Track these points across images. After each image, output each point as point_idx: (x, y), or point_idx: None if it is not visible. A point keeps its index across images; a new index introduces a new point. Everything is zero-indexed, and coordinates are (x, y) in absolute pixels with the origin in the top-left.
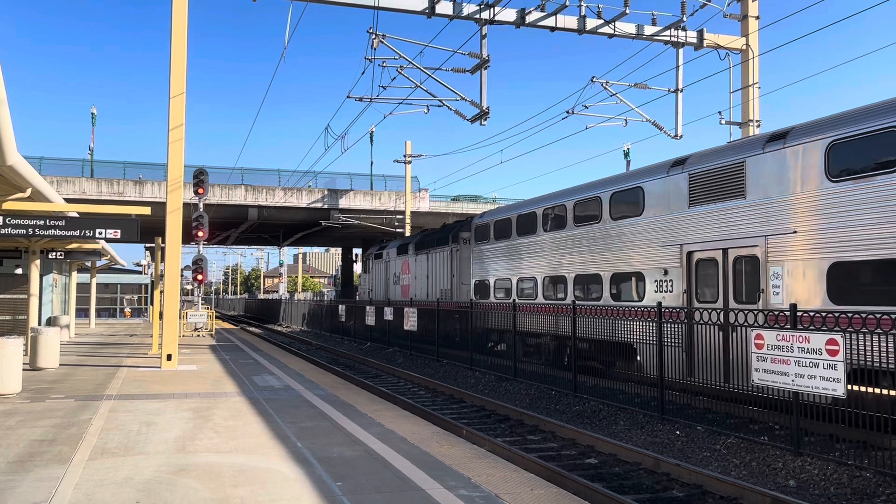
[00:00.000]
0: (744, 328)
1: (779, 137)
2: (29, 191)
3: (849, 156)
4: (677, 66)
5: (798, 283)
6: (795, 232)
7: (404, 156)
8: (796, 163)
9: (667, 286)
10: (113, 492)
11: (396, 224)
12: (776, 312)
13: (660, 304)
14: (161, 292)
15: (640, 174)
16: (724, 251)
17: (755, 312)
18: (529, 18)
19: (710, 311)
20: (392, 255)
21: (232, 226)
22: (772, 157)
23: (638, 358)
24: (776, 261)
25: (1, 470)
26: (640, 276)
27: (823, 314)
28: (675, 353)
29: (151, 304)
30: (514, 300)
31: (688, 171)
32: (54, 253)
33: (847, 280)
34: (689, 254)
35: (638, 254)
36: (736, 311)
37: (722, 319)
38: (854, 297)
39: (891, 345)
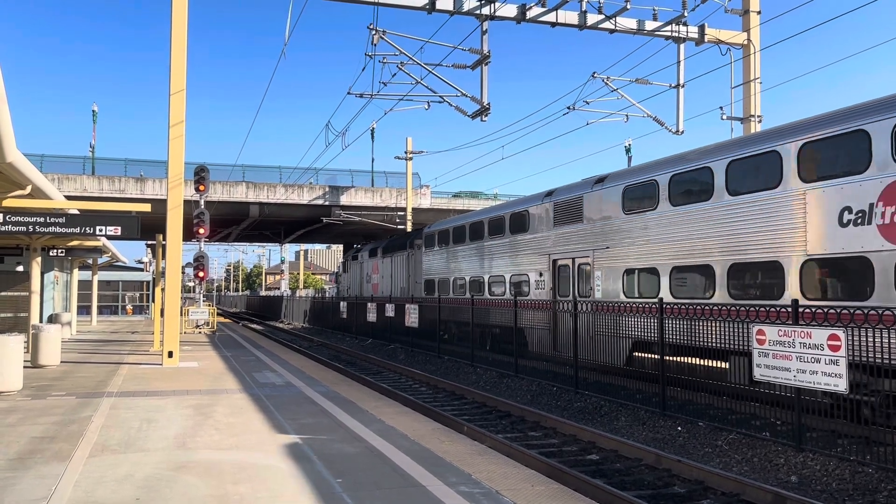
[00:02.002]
0: (583, 314)
1: (601, 181)
2: (29, 188)
3: (633, 197)
4: (678, 62)
5: (608, 282)
6: (608, 248)
7: (405, 152)
8: (608, 200)
9: (542, 284)
10: (113, 489)
11: (398, 220)
12: (598, 302)
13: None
14: (162, 289)
15: (527, 200)
16: (573, 259)
17: (585, 302)
18: (530, 14)
19: (565, 302)
20: (365, 258)
21: (233, 223)
22: (596, 195)
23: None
24: (598, 266)
25: (1, 467)
26: (526, 277)
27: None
28: (542, 334)
29: (153, 301)
30: (471, 297)
31: (553, 200)
32: (55, 250)
33: (631, 281)
34: (554, 261)
35: (525, 260)
36: (578, 302)
37: (571, 308)
38: (634, 292)
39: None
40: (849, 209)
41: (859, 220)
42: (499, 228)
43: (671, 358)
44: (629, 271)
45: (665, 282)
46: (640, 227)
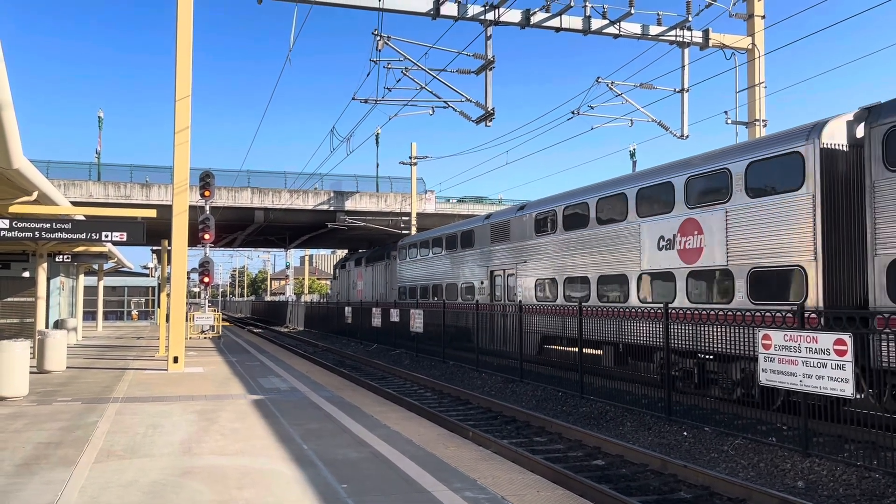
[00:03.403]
0: (513, 315)
1: (522, 208)
2: (35, 194)
3: (540, 223)
4: (683, 66)
5: (527, 290)
6: (525, 262)
7: (410, 157)
8: (526, 224)
9: (483, 291)
10: (118, 494)
11: (402, 226)
12: (518, 303)
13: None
14: (168, 295)
15: (473, 221)
16: (504, 270)
17: (510, 304)
18: (534, 19)
19: (502, 306)
20: (352, 267)
21: (238, 228)
22: (518, 219)
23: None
24: (519, 276)
25: (7, 473)
26: (471, 285)
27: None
28: (486, 333)
29: (158, 306)
30: (445, 300)
31: (490, 222)
32: (61, 256)
33: (539, 288)
34: (491, 272)
35: (471, 271)
36: (506, 306)
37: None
38: (540, 297)
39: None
40: (663, 238)
41: (668, 246)
42: (453, 243)
43: (562, 348)
44: (539, 280)
45: (561, 289)
46: (545, 247)
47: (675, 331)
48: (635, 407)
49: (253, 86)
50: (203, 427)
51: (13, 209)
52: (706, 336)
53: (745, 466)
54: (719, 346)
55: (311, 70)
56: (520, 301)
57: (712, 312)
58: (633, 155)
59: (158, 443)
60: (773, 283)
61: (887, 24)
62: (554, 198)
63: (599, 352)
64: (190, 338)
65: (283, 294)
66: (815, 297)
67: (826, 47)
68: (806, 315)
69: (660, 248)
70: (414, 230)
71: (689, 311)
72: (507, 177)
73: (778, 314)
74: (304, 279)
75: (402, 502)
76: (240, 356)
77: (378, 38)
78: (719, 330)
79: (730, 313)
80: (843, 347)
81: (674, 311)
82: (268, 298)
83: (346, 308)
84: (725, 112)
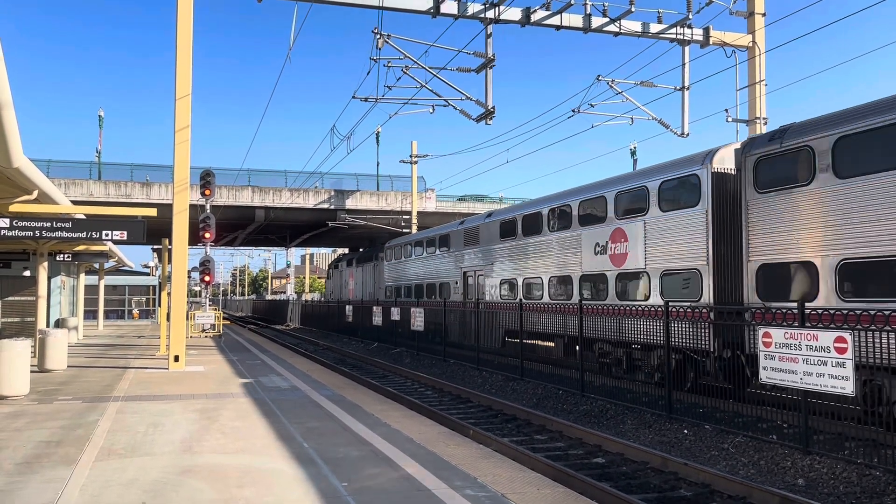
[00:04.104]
0: (489, 312)
1: (489, 215)
2: (35, 193)
3: (504, 229)
4: (683, 64)
5: (493, 289)
6: (492, 264)
7: (410, 156)
8: (493, 230)
9: (457, 290)
10: (119, 493)
11: (403, 224)
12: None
13: (522, 301)
14: (168, 294)
15: (449, 226)
16: (474, 271)
17: (475, 302)
18: (535, 17)
19: (475, 303)
20: (344, 267)
21: (239, 227)
22: (486, 225)
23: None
24: (487, 277)
25: (8, 471)
26: (447, 284)
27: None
28: (457, 327)
29: (159, 305)
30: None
31: (463, 227)
32: (62, 255)
33: (503, 287)
34: (464, 272)
35: (447, 271)
36: (475, 302)
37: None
38: (504, 296)
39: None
40: (598, 244)
41: (602, 252)
42: (433, 246)
43: (516, 340)
44: (503, 280)
45: (520, 288)
46: (508, 250)
47: (606, 324)
48: (636, 405)
49: (253, 84)
50: (204, 426)
51: (14, 208)
52: (629, 329)
53: (745, 464)
54: (642, 337)
55: (311, 69)
56: (520, 299)
57: (636, 308)
58: (633, 153)
59: (159, 441)
60: (678, 284)
61: (887, 21)
62: (515, 206)
63: (552, 343)
64: (191, 336)
65: (284, 293)
66: (708, 295)
67: (826, 45)
68: (699, 311)
69: (596, 253)
70: (415, 229)
71: (618, 308)
72: (508, 175)
73: (673, 310)
74: (304, 278)
75: (403, 500)
76: (241, 355)
77: (378, 36)
78: (643, 323)
79: (650, 309)
80: (844, 345)
81: (605, 308)
82: (269, 297)
83: (347, 307)
84: (726, 110)
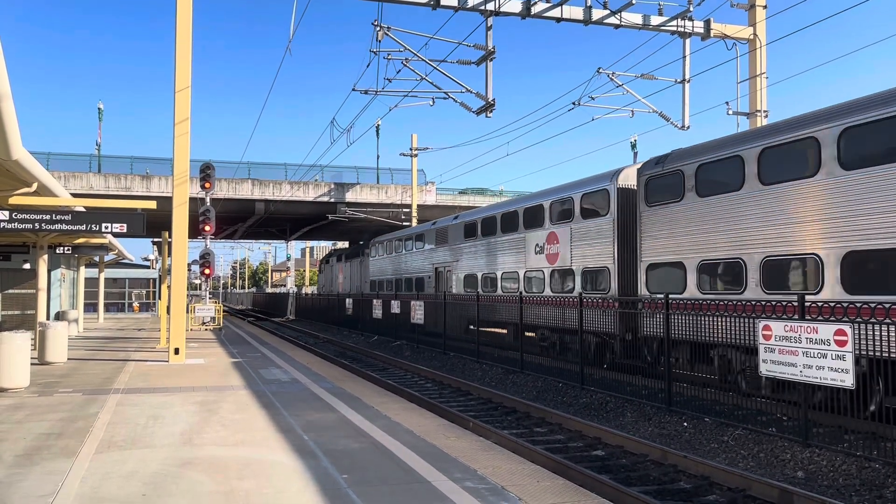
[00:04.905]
0: (466, 303)
1: (456, 217)
2: (35, 185)
3: (468, 229)
4: (684, 57)
5: (459, 283)
6: (458, 261)
7: (410, 149)
8: (459, 230)
9: (430, 284)
10: (119, 485)
11: (403, 217)
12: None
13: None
14: (168, 287)
15: (423, 226)
16: (445, 267)
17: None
18: (535, 9)
19: (446, 295)
20: (334, 262)
21: (239, 220)
22: (453, 225)
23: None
24: (454, 272)
25: (8, 463)
26: (422, 279)
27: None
28: (432, 317)
29: (159, 298)
30: (395, 293)
31: (435, 228)
32: (62, 248)
33: (466, 282)
34: (436, 268)
35: (422, 267)
36: (443, 294)
37: (445, 300)
38: (469, 289)
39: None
40: (537, 245)
41: (540, 252)
42: (410, 243)
43: (478, 328)
44: (467, 276)
45: (479, 283)
46: (471, 248)
47: (541, 313)
48: (635, 398)
49: (253, 77)
50: (204, 418)
51: (13, 201)
52: (556, 316)
53: (744, 457)
54: (569, 324)
55: (311, 61)
56: (521, 293)
57: (565, 300)
58: (634, 146)
59: (159, 434)
60: (594, 279)
61: (889, 14)
62: (478, 210)
63: (504, 330)
64: (191, 329)
65: (285, 286)
66: (615, 288)
67: (828, 37)
68: (607, 301)
69: (536, 253)
70: (415, 222)
71: (552, 298)
72: (509, 168)
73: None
74: (305, 271)
75: (403, 492)
76: (241, 347)
77: (378, 28)
78: (568, 312)
79: (574, 300)
80: (844, 338)
81: (542, 298)
82: (269, 290)
83: (348, 300)
84: (727, 103)
